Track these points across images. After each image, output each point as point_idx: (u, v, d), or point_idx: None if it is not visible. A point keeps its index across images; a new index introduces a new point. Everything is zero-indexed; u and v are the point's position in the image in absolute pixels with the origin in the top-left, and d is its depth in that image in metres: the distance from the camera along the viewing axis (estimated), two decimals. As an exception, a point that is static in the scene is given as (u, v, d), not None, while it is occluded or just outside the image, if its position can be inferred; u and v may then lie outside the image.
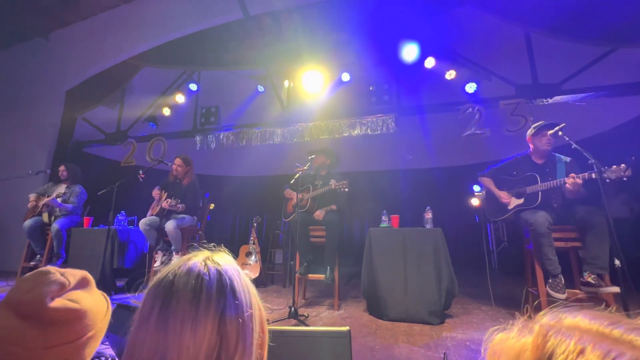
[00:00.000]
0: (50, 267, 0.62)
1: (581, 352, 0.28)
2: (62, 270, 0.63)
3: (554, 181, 2.26)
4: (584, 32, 3.30)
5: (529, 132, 2.55)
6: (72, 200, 3.79)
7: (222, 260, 0.52)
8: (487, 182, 2.71)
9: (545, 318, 0.34)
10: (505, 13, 3.60)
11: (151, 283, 0.49)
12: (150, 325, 0.44)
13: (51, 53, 6.03)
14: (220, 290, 0.47)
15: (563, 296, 2.12)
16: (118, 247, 3.35)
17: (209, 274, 0.48)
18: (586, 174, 2.07)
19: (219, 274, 0.49)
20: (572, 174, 2.12)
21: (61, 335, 0.58)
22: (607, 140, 4.57)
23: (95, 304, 0.66)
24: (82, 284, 0.65)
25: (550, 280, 2.20)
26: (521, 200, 2.43)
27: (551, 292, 2.17)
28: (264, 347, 0.52)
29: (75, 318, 0.60)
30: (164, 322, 0.44)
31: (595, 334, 0.30)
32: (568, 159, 2.41)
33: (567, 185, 2.13)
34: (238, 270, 0.53)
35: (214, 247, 0.57)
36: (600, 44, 3.37)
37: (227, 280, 0.49)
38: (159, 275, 0.50)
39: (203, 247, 0.56)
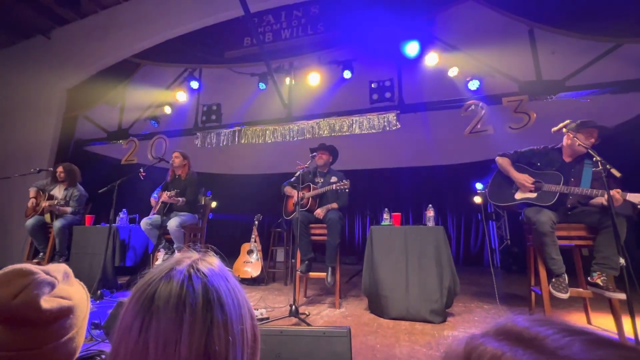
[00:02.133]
0: (30, 266, 0.58)
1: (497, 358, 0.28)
2: (44, 267, 0.61)
3: (580, 189, 2.15)
4: (589, 27, 3.26)
5: (571, 125, 2.28)
6: (72, 204, 3.79)
7: (208, 267, 0.47)
8: (505, 162, 2.52)
9: (492, 326, 0.33)
10: (508, 7, 3.56)
11: (131, 294, 0.45)
12: (130, 343, 0.41)
13: (52, 51, 6.03)
14: (206, 305, 0.42)
15: (566, 296, 2.08)
16: (119, 246, 3.36)
17: (193, 287, 0.43)
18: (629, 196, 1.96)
19: (205, 286, 0.44)
20: (618, 190, 1.97)
21: (53, 334, 0.57)
22: (612, 137, 4.52)
23: (79, 295, 0.65)
24: (64, 278, 0.64)
25: (553, 280, 2.16)
26: (534, 195, 2.32)
27: (554, 292, 2.13)
28: (256, 356, 0.49)
29: (67, 314, 0.59)
30: (144, 343, 0.40)
31: (515, 338, 0.29)
32: (592, 167, 2.26)
33: (604, 200, 2.00)
34: (226, 277, 0.48)
35: (200, 246, 0.53)
36: (605, 39, 3.32)
37: (214, 294, 0.44)
38: (139, 285, 0.45)
39: (189, 249, 0.52)
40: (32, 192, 3.84)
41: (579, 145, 2.15)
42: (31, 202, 3.78)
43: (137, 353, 0.40)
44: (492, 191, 2.59)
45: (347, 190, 2.83)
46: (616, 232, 1.80)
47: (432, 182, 7.07)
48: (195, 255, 0.49)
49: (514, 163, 2.51)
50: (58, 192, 3.85)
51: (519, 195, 2.39)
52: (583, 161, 2.32)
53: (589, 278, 2.10)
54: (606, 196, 1.94)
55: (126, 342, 0.41)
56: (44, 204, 3.69)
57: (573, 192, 2.19)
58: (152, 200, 3.52)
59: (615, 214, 1.84)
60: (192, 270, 0.45)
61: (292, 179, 3.24)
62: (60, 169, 3.91)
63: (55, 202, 3.68)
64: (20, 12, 5.56)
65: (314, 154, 3.08)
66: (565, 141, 2.37)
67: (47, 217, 3.73)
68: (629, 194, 1.97)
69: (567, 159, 2.38)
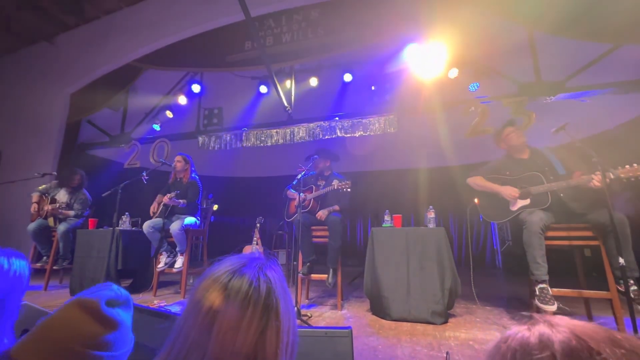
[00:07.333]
0: None
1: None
2: None
3: (566, 182, 2.12)
4: (588, 29, 3.27)
5: (495, 138, 2.57)
6: (76, 206, 3.83)
7: (274, 274, 0.52)
8: (480, 180, 2.51)
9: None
10: (507, 12, 3.58)
11: (206, 279, 0.50)
12: (197, 321, 0.46)
13: (56, 56, 6.10)
14: (266, 308, 0.48)
15: (554, 308, 1.95)
16: (122, 249, 3.37)
17: (259, 289, 0.48)
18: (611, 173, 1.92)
19: (268, 291, 0.49)
20: (597, 173, 1.94)
21: None
22: (610, 138, 4.53)
23: None
24: None
25: (537, 292, 2.03)
26: (527, 201, 2.28)
27: (540, 305, 1.98)
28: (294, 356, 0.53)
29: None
30: (210, 324, 0.45)
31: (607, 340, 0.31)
32: (548, 149, 2.32)
33: (594, 183, 1.97)
34: (284, 288, 0.53)
35: (264, 248, 0.60)
36: (603, 41, 3.34)
37: (274, 301, 0.49)
38: (215, 273, 0.50)
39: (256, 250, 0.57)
40: (34, 197, 3.86)
41: (513, 141, 2.40)
42: (33, 207, 3.80)
43: (203, 329, 0.46)
44: (485, 211, 2.52)
45: (348, 190, 2.84)
46: (614, 230, 1.78)
47: (433, 183, 7.07)
48: (262, 257, 0.54)
49: (488, 178, 2.50)
50: (62, 195, 3.88)
51: (515, 207, 2.34)
52: (538, 150, 2.39)
53: (618, 286, 1.94)
54: (594, 180, 1.96)
55: (194, 319, 0.47)
56: (47, 207, 3.72)
57: (561, 188, 2.16)
58: (152, 208, 3.55)
59: (612, 214, 1.82)
60: (260, 272, 0.51)
61: (294, 183, 3.26)
62: (70, 173, 3.99)
63: (58, 205, 3.72)
64: (24, 18, 5.63)
65: (316, 156, 3.11)
66: (504, 146, 2.52)
67: (51, 220, 3.76)
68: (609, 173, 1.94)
69: (522, 156, 2.44)
